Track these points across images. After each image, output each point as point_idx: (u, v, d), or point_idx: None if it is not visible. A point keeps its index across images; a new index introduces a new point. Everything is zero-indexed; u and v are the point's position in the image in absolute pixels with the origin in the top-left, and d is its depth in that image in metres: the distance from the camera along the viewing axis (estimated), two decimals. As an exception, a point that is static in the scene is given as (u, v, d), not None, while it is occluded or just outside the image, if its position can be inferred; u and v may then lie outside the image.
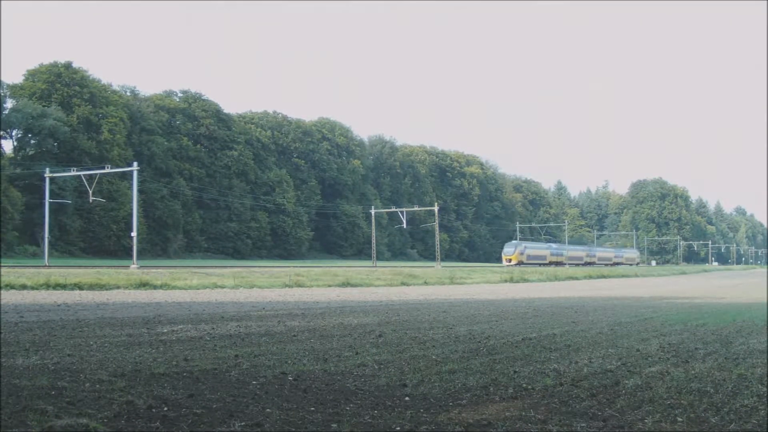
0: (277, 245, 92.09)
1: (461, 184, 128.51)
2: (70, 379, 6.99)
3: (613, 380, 7.68)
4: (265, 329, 12.47)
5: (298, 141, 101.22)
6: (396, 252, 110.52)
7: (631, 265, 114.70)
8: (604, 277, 59.35)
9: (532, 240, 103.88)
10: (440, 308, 19.10)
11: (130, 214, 51.52)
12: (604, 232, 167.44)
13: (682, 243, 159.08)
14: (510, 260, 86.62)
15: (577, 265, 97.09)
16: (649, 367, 8.65)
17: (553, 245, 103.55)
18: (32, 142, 69.05)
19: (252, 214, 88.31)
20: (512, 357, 9.38)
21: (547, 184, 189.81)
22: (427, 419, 5.79)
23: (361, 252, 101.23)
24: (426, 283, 37.43)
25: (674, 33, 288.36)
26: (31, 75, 71.13)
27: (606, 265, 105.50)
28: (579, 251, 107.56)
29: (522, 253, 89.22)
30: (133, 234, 45.34)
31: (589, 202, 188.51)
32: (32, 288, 23.06)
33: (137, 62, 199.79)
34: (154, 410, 5.76)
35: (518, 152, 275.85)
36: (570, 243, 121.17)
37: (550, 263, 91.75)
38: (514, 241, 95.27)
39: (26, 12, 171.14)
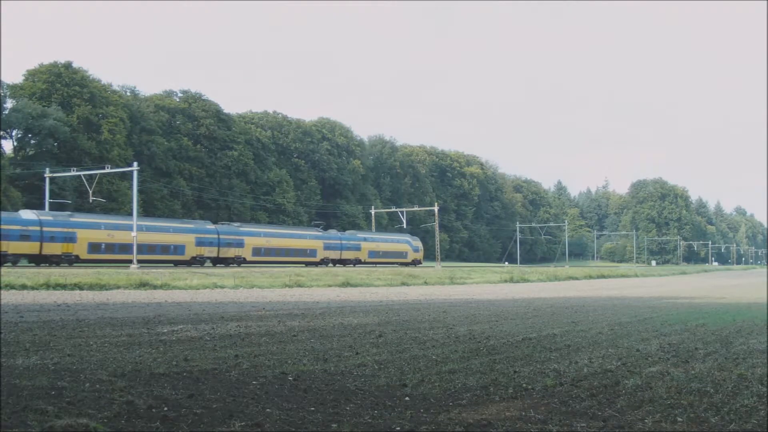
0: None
1: (461, 184, 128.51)
2: (70, 379, 6.98)
3: (613, 380, 7.68)
4: (265, 329, 12.47)
5: (298, 141, 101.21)
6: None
7: (406, 264, 67.14)
8: (604, 277, 59.37)
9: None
10: (440, 308, 19.10)
11: (130, 214, 51.45)
12: (604, 232, 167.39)
13: (682, 243, 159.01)
14: None
15: (174, 264, 48.34)
16: (649, 367, 8.65)
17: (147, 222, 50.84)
18: (32, 142, 68.99)
19: (252, 214, 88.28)
20: (512, 357, 9.38)
21: (547, 184, 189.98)
22: (427, 419, 5.79)
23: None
24: (426, 283, 37.40)
25: (674, 32, 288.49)
26: (31, 75, 71.09)
27: (330, 264, 59.69)
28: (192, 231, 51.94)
29: None
30: (134, 234, 45.31)
31: (589, 202, 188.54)
32: (32, 288, 23.05)
33: (137, 62, 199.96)
34: (154, 410, 5.75)
35: (518, 152, 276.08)
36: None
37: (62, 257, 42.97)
38: None
39: (26, 12, 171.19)
